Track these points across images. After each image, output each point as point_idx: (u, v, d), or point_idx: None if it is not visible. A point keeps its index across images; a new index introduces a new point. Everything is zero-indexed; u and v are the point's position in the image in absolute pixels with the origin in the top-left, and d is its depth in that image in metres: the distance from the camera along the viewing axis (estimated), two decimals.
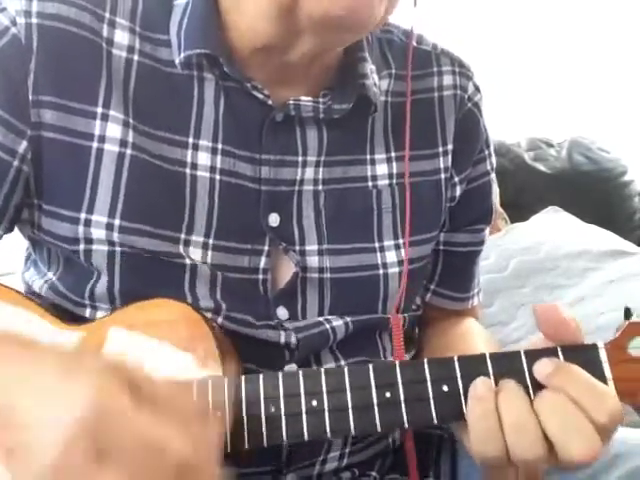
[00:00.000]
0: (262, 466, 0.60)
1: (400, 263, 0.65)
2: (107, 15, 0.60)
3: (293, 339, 0.60)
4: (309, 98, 0.62)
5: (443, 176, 0.68)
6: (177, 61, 0.60)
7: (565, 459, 0.45)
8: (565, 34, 2.17)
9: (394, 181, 0.66)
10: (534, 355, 0.49)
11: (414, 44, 0.70)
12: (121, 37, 0.60)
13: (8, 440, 0.36)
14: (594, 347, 0.49)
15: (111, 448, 0.34)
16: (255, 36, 0.59)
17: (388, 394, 0.49)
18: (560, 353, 0.49)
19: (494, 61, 1.91)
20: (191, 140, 0.60)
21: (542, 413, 0.46)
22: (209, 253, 0.59)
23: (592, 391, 0.46)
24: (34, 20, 0.57)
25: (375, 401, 0.49)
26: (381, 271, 0.64)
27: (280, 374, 0.50)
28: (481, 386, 0.48)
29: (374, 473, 0.67)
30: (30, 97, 0.57)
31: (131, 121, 0.59)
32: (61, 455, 0.34)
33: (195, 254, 0.59)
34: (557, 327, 0.49)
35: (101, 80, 0.58)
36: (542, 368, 0.48)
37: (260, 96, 0.60)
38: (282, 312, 0.62)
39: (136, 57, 0.60)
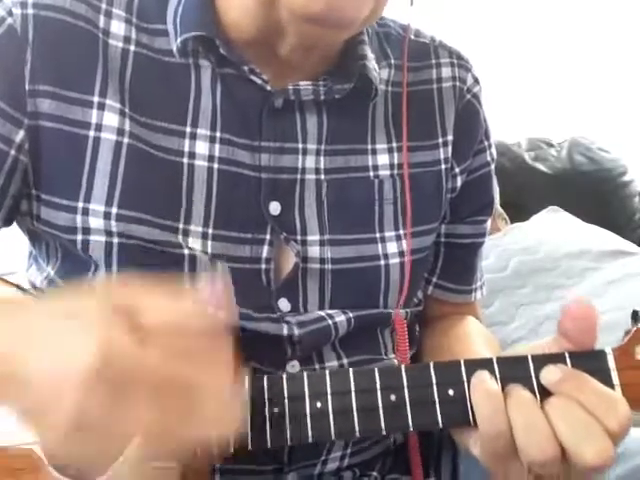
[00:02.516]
0: (264, 465, 0.60)
1: (401, 254, 0.65)
2: (103, 6, 0.60)
3: (296, 331, 0.59)
4: (308, 82, 0.61)
5: (443, 167, 0.68)
6: (174, 48, 0.59)
7: (579, 463, 0.43)
8: (565, 34, 2.17)
9: (395, 172, 0.66)
10: (541, 360, 0.48)
11: (411, 37, 0.70)
12: (117, 28, 0.60)
13: (21, 400, 0.36)
14: (602, 353, 0.48)
15: (129, 385, 0.34)
16: (242, 30, 0.59)
17: (393, 397, 0.48)
18: (568, 359, 0.47)
19: (494, 61, 1.91)
20: (188, 129, 0.60)
21: (552, 417, 0.45)
22: (209, 243, 0.59)
23: (602, 398, 0.45)
24: (30, 11, 0.57)
25: (380, 404, 0.48)
26: (382, 262, 0.64)
27: (284, 375, 0.49)
28: (489, 382, 0.47)
29: (375, 473, 0.67)
30: (27, 87, 0.57)
31: (127, 111, 0.58)
32: (81, 405, 0.34)
33: (195, 244, 0.58)
34: (585, 328, 0.47)
35: (97, 70, 0.58)
36: (549, 375, 0.47)
37: (258, 81, 0.60)
38: (284, 304, 0.61)
39: (132, 47, 0.60)
